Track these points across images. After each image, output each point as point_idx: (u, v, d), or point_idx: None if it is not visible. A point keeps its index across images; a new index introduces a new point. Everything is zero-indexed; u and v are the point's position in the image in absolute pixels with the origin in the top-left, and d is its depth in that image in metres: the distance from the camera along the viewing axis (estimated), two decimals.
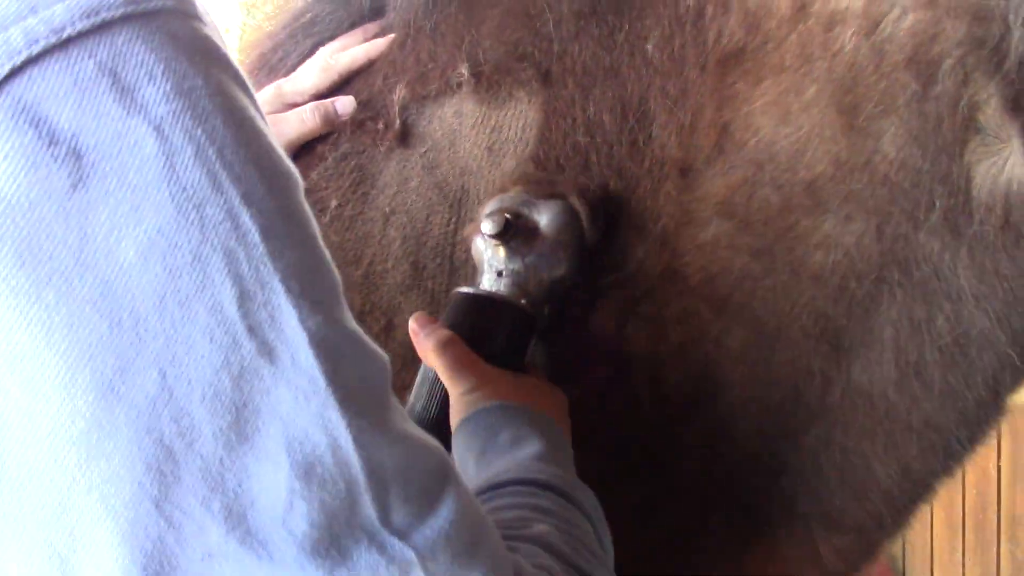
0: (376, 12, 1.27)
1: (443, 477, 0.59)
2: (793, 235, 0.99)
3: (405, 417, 0.61)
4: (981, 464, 3.31)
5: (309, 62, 1.26)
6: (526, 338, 1.07)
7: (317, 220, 1.16)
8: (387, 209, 1.18)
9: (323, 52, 1.26)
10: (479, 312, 1.06)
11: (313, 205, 1.17)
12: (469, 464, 0.93)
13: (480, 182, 1.14)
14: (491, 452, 0.92)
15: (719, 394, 1.05)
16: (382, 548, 0.53)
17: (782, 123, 0.98)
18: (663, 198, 1.05)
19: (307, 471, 0.51)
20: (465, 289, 1.08)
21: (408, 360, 1.12)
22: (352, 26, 1.28)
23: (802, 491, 1.06)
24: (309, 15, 1.29)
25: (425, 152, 1.18)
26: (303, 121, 1.22)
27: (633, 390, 1.08)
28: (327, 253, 0.59)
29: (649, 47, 1.06)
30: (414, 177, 1.18)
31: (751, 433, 1.06)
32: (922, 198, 0.92)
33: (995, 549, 3.34)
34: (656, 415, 1.09)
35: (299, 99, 1.25)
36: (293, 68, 1.27)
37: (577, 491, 0.88)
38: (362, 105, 1.22)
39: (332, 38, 1.28)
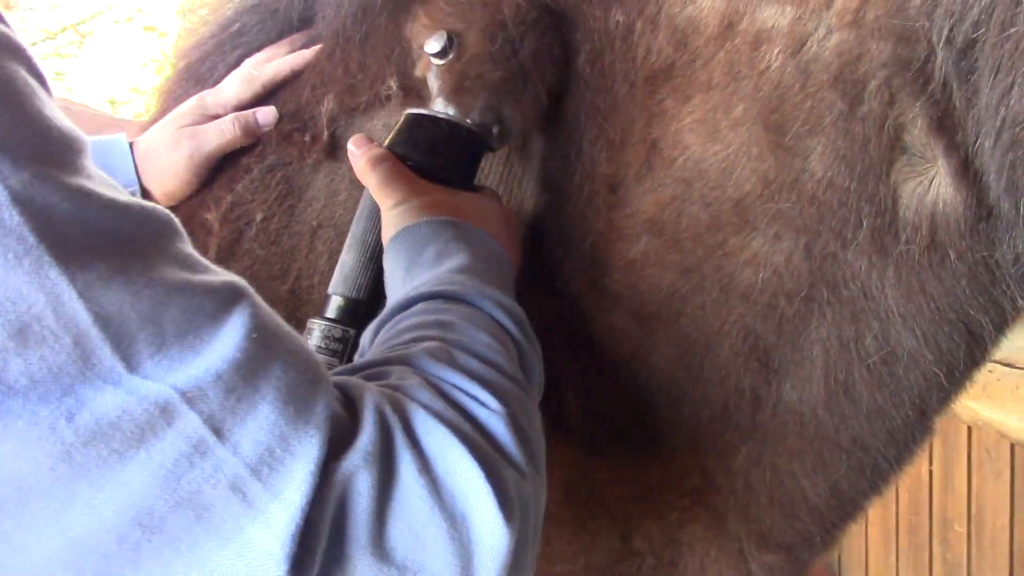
0: (305, 23, 1.25)
1: (219, 313, 0.58)
2: (722, 253, 0.99)
3: (186, 264, 0.60)
4: (914, 469, 3.36)
5: (233, 73, 1.24)
6: (472, 156, 1.05)
7: (243, 233, 1.14)
8: (314, 223, 1.16)
9: (247, 63, 1.24)
10: (421, 130, 1.04)
11: (238, 218, 1.15)
12: (396, 281, 0.92)
13: None
14: (416, 268, 0.91)
15: (648, 412, 1.04)
16: (131, 391, 0.53)
17: (711, 141, 0.97)
18: (592, 214, 1.04)
19: (20, 330, 0.51)
20: (410, 110, 1.06)
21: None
22: (280, 37, 1.26)
23: (733, 509, 1.06)
24: (236, 25, 1.27)
25: None
26: (222, 132, 1.20)
27: (560, 406, 1.07)
28: (57, 115, 0.57)
29: (579, 61, 1.05)
30: (342, 190, 1.16)
31: (681, 451, 1.05)
32: (850, 217, 0.92)
33: (927, 552, 3.39)
34: (583, 432, 1.07)
35: (220, 111, 1.23)
36: (221, 79, 1.25)
37: (489, 300, 0.85)
38: (289, 116, 1.19)
39: (260, 49, 1.25)
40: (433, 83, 1.06)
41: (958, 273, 0.91)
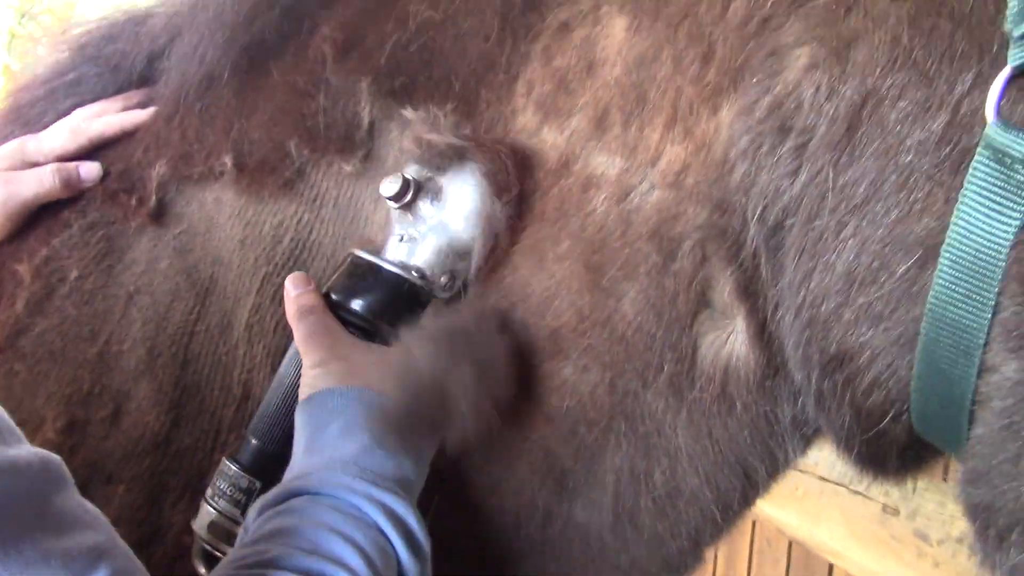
0: (144, 81, 1.23)
1: None
2: (535, 377, 1.03)
3: (58, 526, 0.63)
4: None
5: (60, 122, 1.20)
6: (411, 310, 1.03)
7: (55, 290, 1.11)
8: (131, 288, 1.13)
9: (78, 114, 1.21)
10: (361, 279, 1.03)
11: (51, 273, 1.11)
12: (299, 448, 0.94)
13: (230, 274, 1.12)
14: (317, 442, 0.92)
15: (441, 516, 1.07)
16: None
17: (538, 269, 1.02)
18: None
19: None
20: (356, 251, 1.05)
21: (131, 453, 1.07)
22: (118, 91, 1.23)
23: None
24: (73, 74, 1.23)
25: (179, 234, 1.15)
26: (41, 182, 1.15)
27: None
28: None
29: None
30: (164, 258, 1.14)
31: (470, 557, 1.07)
32: (653, 360, 0.98)
33: None
34: None
35: (41, 159, 1.18)
36: (48, 126, 1.20)
37: (372, 504, 0.87)
38: (117, 175, 1.17)
39: (94, 101, 1.22)
40: (392, 226, 1.06)
41: (742, 423, 0.98)
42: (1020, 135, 0.69)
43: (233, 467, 1.02)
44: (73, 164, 1.17)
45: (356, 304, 1.03)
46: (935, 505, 2.20)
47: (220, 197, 1.14)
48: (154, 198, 1.14)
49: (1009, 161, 0.70)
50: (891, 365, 0.79)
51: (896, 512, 2.27)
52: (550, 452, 1.04)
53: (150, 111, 1.20)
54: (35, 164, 1.18)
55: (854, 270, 0.79)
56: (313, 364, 0.98)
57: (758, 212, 0.87)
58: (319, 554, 0.82)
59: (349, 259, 1.05)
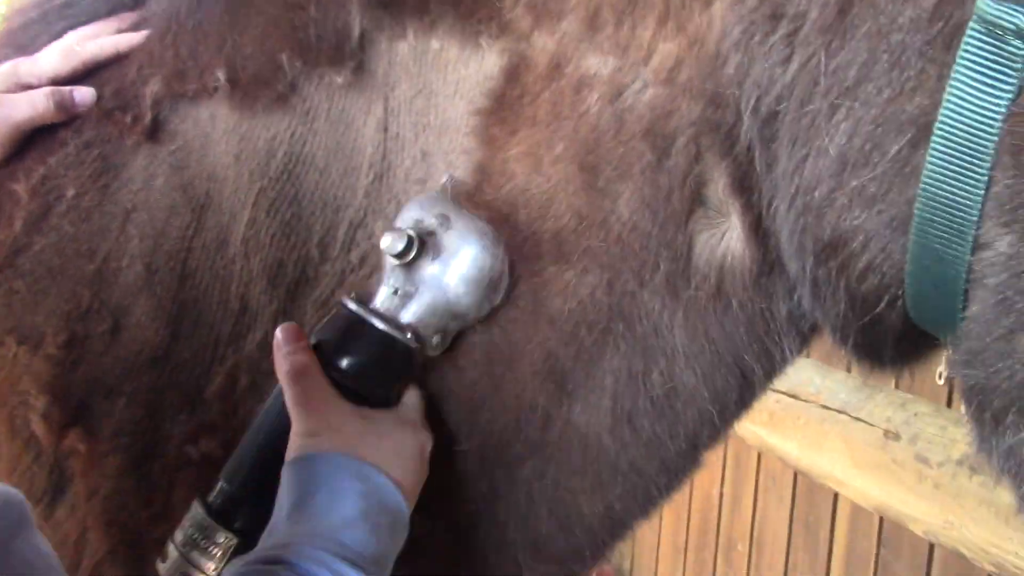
0: (138, 2, 1.22)
1: None
2: (539, 280, 1.03)
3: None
4: (706, 489, 3.53)
5: (53, 45, 1.19)
6: (400, 370, 1.03)
7: (52, 208, 1.12)
8: (128, 205, 1.14)
9: (71, 37, 1.20)
10: (354, 339, 1.02)
11: (48, 192, 1.12)
12: (283, 512, 0.93)
13: (225, 189, 1.12)
14: (303, 509, 0.92)
15: (444, 417, 1.08)
16: None
17: (534, 173, 1.02)
18: None
19: None
20: (348, 303, 1.03)
21: (131, 368, 1.09)
22: (110, 13, 1.22)
23: (513, 519, 1.11)
24: None
25: (175, 151, 1.15)
26: (34, 105, 1.15)
27: None
28: None
29: None
30: (160, 175, 1.14)
31: (471, 458, 1.09)
32: (648, 260, 0.98)
33: (712, 569, 3.57)
34: None
35: (35, 81, 1.18)
36: (41, 49, 1.20)
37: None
38: (112, 94, 1.17)
39: (87, 23, 1.22)
40: (386, 277, 1.04)
41: (738, 321, 0.98)
42: (1012, 6, 0.68)
43: (202, 512, 1.00)
44: (67, 88, 1.16)
45: (346, 363, 1.01)
46: (936, 429, 2.22)
47: (214, 113, 1.14)
48: (149, 115, 1.14)
49: (1001, 32, 0.69)
50: (885, 248, 0.80)
51: (897, 437, 2.29)
52: (551, 354, 1.04)
53: (144, 33, 1.19)
54: (28, 87, 1.17)
55: (846, 153, 0.79)
56: (305, 432, 0.97)
57: (752, 103, 0.87)
58: None
59: (341, 312, 1.03)
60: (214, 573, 0.98)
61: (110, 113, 1.16)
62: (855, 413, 2.41)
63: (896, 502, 2.26)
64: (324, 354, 1.02)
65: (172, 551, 1.00)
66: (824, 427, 2.52)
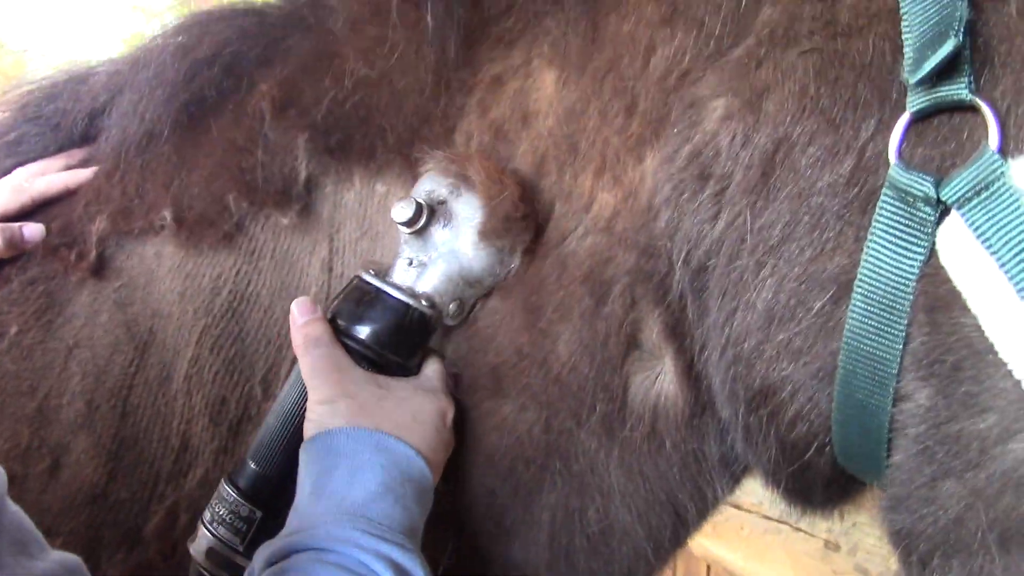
0: (86, 139, 1.24)
1: None
2: (476, 414, 1.05)
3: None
4: None
5: (2, 181, 1.21)
6: (417, 339, 1.02)
7: None
8: (71, 341, 1.14)
9: (20, 173, 1.22)
10: (369, 307, 1.01)
11: None
12: (304, 490, 0.92)
13: (169, 326, 1.13)
14: (325, 486, 0.90)
15: None
16: None
17: (480, 307, 1.05)
18: None
19: None
20: (363, 274, 1.03)
21: (69, 506, 1.07)
22: (59, 150, 1.24)
23: None
24: (14, 134, 1.25)
25: (119, 287, 1.15)
26: None
27: None
28: None
29: None
30: (104, 311, 1.15)
31: None
32: (586, 400, 1.01)
33: None
34: None
35: None
36: None
37: (378, 559, 0.85)
38: (58, 231, 1.18)
39: (36, 159, 1.23)
40: (401, 249, 1.06)
41: (671, 461, 1.01)
42: (921, 176, 0.73)
43: (232, 493, 1.00)
44: (17, 224, 1.17)
45: (362, 332, 1.01)
46: (875, 540, 2.24)
47: (160, 251, 1.16)
48: (94, 252, 1.15)
49: (911, 199, 0.74)
50: (812, 398, 0.83)
51: (837, 548, 2.31)
52: (489, 491, 1.05)
53: (92, 170, 1.21)
54: None
55: (773, 308, 0.83)
56: (320, 400, 0.97)
57: (682, 256, 0.91)
58: None
59: (355, 282, 1.04)
60: (241, 547, 0.98)
61: (55, 249, 1.17)
62: (796, 523, 2.42)
63: None
64: (339, 325, 1.02)
65: (201, 529, 1.01)
66: (767, 537, 2.53)
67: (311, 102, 1.14)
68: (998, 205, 0.70)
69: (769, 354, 0.84)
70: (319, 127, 1.12)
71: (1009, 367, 0.68)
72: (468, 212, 1.03)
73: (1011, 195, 0.69)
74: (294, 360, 1.03)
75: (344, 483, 0.91)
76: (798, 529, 2.43)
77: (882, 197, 0.76)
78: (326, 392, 0.97)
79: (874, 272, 0.76)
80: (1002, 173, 0.70)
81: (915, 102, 0.75)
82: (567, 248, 1.00)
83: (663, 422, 0.99)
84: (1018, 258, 0.68)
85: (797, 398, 0.83)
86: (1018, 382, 0.68)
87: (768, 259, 0.83)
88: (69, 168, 1.23)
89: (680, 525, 1.05)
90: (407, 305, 1.01)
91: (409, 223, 1.02)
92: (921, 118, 0.75)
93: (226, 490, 1.01)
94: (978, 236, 0.70)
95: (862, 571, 2.22)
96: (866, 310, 0.77)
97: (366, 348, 1.01)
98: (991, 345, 0.70)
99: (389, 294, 1.01)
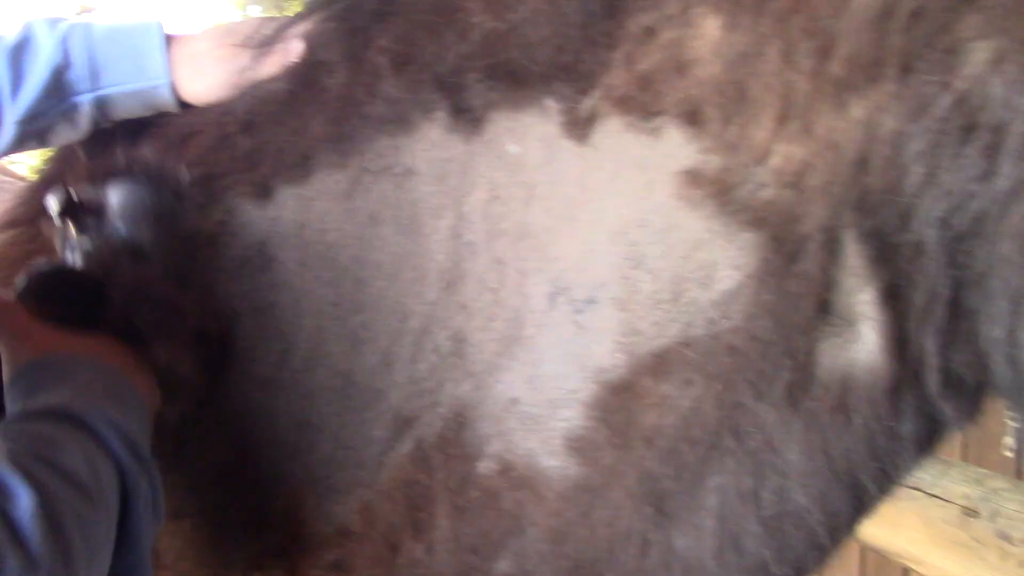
0: None
1: None
2: (629, 395, 0.97)
3: None
4: None
5: None
6: (92, 302, 1.07)
7: None
8: None
9: None
10: (40, 281, 1.06)
11: None
12: (16, 407, 0.90)
13: None
14: (46, 389, 0.91)
15: (521, 548, 1.01)
16: None
17: None
18: None
19: None
20: (36, 263, 1.08)
21: None
22: None
23: None
24: None
25: None
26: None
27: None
28: None
29: None
30: None
31: None
32: (766, 370, 0.92)
33: None
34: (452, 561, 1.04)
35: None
36: None
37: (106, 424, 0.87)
38: None
39: None
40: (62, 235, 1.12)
41: (858, 437, 0.92)
42: None
43: None
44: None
45: (39, 299, 1.05)
46: (1016, 505, 2.14)
47: None
48: None
49: None
50: None
51: (976, 514, 2.20)
52: (648, 474, 0.97)
53: None
54: None
55: None
56: (4, 346, 0.96)
57: (935, 216, 0.84)
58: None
59: (27, 269, 1.07)
60: None
61: None
62: (931, 490, 2.32)
63: None
64: (25, 301, 1.05)
65: None
66: (899, 504, 2.42)
67: (433, 58, 1.06)
68: None
69: None
70: (445, 85, 1.04)
71: None
72: (113, 198, 1.12)
73: None
74: None
75: (68, 383, 0.92)
76: (932, 495, 2.32)
77: None
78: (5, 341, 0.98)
79: None
80: None
81: None
82: (731, 201, 0.92)
83: (853, 395, 0.91)
84: None
85: None
86: None
87: None
88: None
89: (859, 509, 0.96)
90: (70, 273, 1.10)
91: (65, 212, 1.10)
92: None
93: None
94: None
95: (1005, 537, 2.11)
96: None
97: (43, 309, 1.05)
98: None
99: (56, 269, 1.09)
